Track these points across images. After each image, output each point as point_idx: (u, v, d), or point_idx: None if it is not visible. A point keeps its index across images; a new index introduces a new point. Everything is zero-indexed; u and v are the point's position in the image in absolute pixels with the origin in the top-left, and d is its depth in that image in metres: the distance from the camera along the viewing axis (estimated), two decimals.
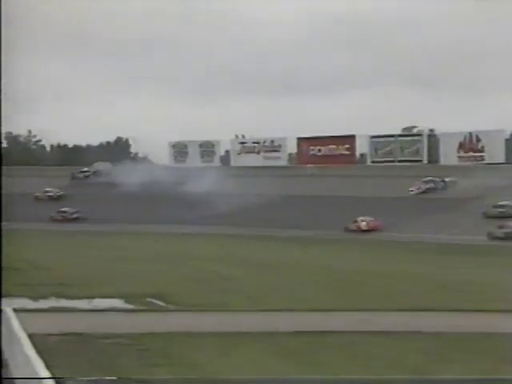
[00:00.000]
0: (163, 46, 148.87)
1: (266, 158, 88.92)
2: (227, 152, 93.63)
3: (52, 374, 11.52)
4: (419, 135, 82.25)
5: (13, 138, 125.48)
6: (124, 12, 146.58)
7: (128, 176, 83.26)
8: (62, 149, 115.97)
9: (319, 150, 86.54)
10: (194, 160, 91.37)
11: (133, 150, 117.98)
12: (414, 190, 71.71)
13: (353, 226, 63.84)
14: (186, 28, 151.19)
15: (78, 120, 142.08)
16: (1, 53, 11.24)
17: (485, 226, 57.90)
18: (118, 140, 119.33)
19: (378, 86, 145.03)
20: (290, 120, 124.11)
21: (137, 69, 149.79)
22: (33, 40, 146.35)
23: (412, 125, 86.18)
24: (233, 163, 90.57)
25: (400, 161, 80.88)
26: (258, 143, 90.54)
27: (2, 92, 11.73)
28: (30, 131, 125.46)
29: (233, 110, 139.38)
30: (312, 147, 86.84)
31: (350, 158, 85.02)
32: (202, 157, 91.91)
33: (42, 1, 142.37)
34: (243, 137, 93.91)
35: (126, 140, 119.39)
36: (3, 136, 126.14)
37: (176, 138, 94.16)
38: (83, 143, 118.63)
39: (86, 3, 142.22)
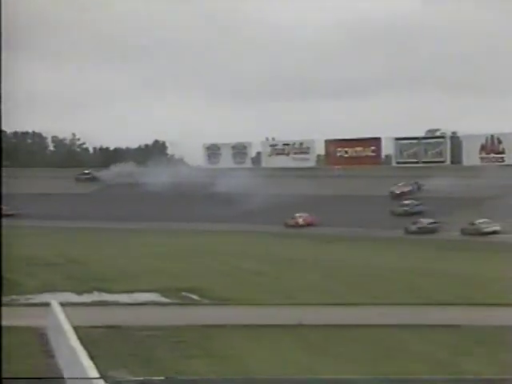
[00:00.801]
0: (198, 50, 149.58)
1: (295, 159, 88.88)
2: (258, 154, 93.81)
3: (95, 364, 11.76)
4: (442, 137, 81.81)
5: (59, 142, 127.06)
6: (160, 14, 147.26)
7: (162, 176, 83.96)
8: (103, 151, 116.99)
9: (346, 152, 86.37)
10: (226, 161, 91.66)
11: (169, 152, 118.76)
12: (394, 190, 72.81)
13: (291, 222, 67.46)
14: (217, 32, 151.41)
15: (119, 123, 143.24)
16: (1, 54, 11.40)
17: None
18: (156, 143, 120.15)
19: (403, 89, 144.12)
20: (319, 122, 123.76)
21: (173, 72, 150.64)
22: (73, 45, 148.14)
23: (435, 127, 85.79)
24: (264, 164, 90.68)
25: (424, 162, 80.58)
26: (287, 145, 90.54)
27: (2, 92, 11.87)
28: (74, 134, 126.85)
29: (264, 113, 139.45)
30: (339, 149, 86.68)
31: (375, 160, 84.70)
32: (235, 158, 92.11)
33: (76, 7, 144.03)
34: (274, 139, 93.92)
35: (163, 143, 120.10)
36: (50, 139, 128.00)
37: (210, 141, 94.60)
38: (123, 146, 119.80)
39: (121, 8, 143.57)
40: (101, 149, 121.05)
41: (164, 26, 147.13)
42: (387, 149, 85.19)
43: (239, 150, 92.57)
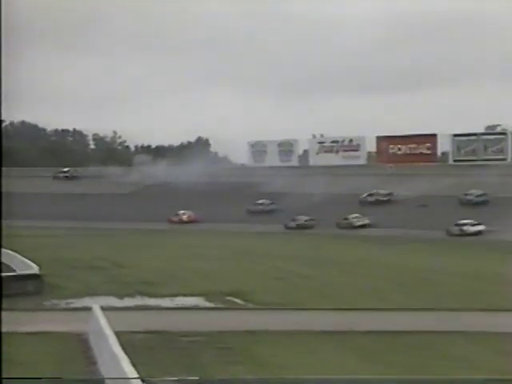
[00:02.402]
0: (243, 46, 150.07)
1: (344, 157, 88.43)
2: (305, 151, 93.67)
3: (137, 371, 12.05)
4: (503, 134, 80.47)
5: (99, 140, 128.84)
6: (204, 11, 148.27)
7: (204, 175, 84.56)
8: (145, 149, 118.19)
9: (399, 149, 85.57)
10: (272, 159, 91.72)
11: (212, 149, 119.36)
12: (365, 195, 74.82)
13: (175, 219, 75.26)
14: (264, 27, 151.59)
15: (161, 120, 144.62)
16: (1, 53, 11.68)
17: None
18: (199, 140, 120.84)
19: (460, 82, 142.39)
20: (369, 119, 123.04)
21: (216, 68, 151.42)
22: (117, 42, 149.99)
23: (496, 123, 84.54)
24: (311, 162, 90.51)
25: (483, 160, 79.32)
26: (336, 142, 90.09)
27: (3, 92, 12.16)
28: (115, 132, 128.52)
29: (311, 110, 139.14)
30: (392, 146, 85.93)
31: (431, 157, 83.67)
32: (281, 156, 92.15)
33: (118, 3, 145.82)
34: (322, 136, 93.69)
35: (206, 140, 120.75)
36: (91, 137, 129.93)
37: (255, 138, 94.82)
38: (165, 143, 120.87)
39: (166, 3, 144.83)
40: (142, 146, 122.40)
41: (210, 21, 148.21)
42: (444, 146, 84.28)
43: (285, 148, 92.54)
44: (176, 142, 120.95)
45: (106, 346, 14.58)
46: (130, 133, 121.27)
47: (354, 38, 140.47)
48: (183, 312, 25.17)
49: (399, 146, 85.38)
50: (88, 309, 20.81)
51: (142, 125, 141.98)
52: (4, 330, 19.65)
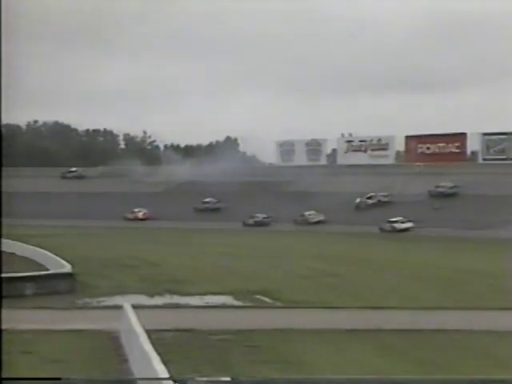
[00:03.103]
0: (271, 45, 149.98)
1: (372, 156, 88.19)
2: (334, 150, 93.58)
3: (167, 369, 12.19)
4: None
5: (130, 140, 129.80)
6: (232, 10, 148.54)
7: (232, 173, 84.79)
8: (174, 149, 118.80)
9: (428, 148, 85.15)
10: (300, 158, 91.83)
11: (241, 149, 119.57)
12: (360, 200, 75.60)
13: (130, 216, 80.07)
14: (292, 27, 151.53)
15: (190, 120, 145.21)
16: (1, 52, 11.88)
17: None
18: (227, 139, 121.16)
19: (488, 83, 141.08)
20: (398, 118, 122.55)
21: (245, 68, 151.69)
22: (147, 42, 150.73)
23: None
24: (339, 161, 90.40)
25: None
26: (364, 141, 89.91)
27: (3, 91, 12.35)
28: (145, 132, 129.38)
29: (340, 109, 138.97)
30: (420, 145, 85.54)
31: (460, 156, 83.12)
32: (309, 155, 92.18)
33: (151, 3, 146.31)
34: (350, 135, 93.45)
35: (235, 139, 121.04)
36: (121, 137, 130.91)
37: (283, 137, 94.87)
38: (194, 143, 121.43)
39: (198, 3, 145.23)
40: (171, 146, 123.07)
41: (238, 21, 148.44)
42: (473, 145, 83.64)
43: (313, 147, 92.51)
44: (205, 142, 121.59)
45: (137, 344, 14.75)
46: (159, 133, 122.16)
47: (383, 38, 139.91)
48: (212, 310, 25.32)
49: (428, 145, 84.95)
50: (119, 307, 21.02)
51: (171, 125, 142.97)
52: (39, 327, 20.02)
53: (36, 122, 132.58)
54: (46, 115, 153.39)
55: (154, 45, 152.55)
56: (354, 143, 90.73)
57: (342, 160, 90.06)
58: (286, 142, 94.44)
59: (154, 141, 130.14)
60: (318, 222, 72.82)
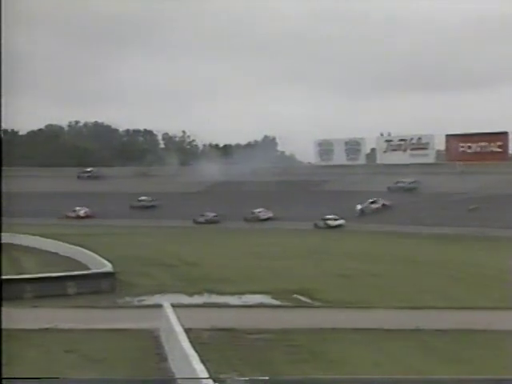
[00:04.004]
0: (310, 45, 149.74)
1: (412, 155, 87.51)
2: (373, 150, 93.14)
3: (206, 368, 12.32)
4: None
5: (169, 139, 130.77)
6: (273, 10, 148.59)
7: (269, 173, 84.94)
8: (213, 148, 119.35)
9: (469, 147, 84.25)
10: (339, 158, 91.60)
11: (279, 148, 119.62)
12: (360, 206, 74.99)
13: (72, 214, 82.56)
14: (331, 26, 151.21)
15: (229, 119, 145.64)
16: (1, 51, 12.06)
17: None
18: (265, 138, 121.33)
19: None
20: (438, 117, 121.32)
21: (286, 67, 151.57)
22: (186, 41, 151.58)
23: None
24: (378, 161, 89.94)
25: None
26: (404, 140, 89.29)
27: (3, 90, 12.52)
28: (184, 131, 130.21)
29: (379, 108, 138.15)
30: (461, 144, 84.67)
31: (502, 156, 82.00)
32: (348, 155, 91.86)
33: (194, 3, 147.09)
34: (389, 134, 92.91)
35: (273, 139, 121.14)
36: (161, 137, 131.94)
37: (322, 137, 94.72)
38: (233, 142, 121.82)
39: (238, 3, 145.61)
40: (210, 145, 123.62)
41: (278, 20, 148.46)
42: None
43: (352, 146, 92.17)
44: (243, 141, 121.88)
45: (176, 343, 14.91)
46: (198, 132, 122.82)
47: (420, 37, 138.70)
48: (250, 310, 25.43)
49: (469, 144, 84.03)
50: (159, 306, 21.25)
51: (210, 124, 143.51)
52: (81, 326, 20.34)
53: (77, 122, 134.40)
54: (86, 116, 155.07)
55: (192, 44, 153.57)
56: (393, 142, 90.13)
57: (381, 159, 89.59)
58: (325, 142, 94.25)
59: (193, 140, 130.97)
60: (268, 219, 76.58)
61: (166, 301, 22.55)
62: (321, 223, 72.12)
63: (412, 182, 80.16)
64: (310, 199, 79.09)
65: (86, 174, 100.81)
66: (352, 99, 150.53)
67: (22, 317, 21.11)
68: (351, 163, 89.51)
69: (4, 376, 12.34)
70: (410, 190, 79.13)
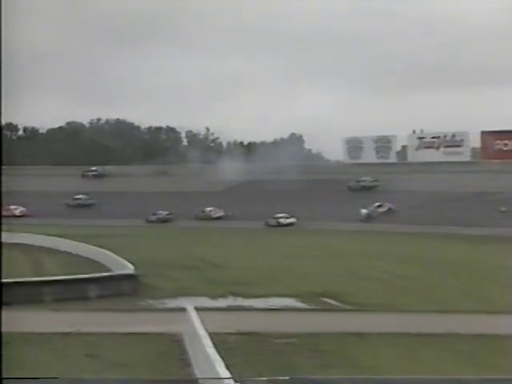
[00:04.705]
0: (339, 39, 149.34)
1: (446, 153, 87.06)
2: (404, 147, 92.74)
3: (230, 373, 12.40)
4: None
5: (192, 137, 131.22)
6: (305, 7, 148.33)
7: (297, 172, 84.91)
8: (237, 146, 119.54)
9: (505, 145, 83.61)
10: (369, 156, 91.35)
11: (306, 146, 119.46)
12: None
13: (7, 213, 78.81)
14: (363, 23, 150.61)
15: (254, 116, 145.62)
16: (1, 49, 12.28)
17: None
18: (292, 136, 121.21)
19: None
20: (472, 113, 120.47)
21: (312, 62, 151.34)
22: (211, 36, 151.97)
23: None
24: (410, 159, 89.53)
25: None
26: (437, 138, 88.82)
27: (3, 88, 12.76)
28: (208, 129, 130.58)
29: (411, 104, 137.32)
30: (498, 141, 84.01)
31: None
32: (378, 153, 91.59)
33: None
34: (421, 131, 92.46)
35: (300, 136, 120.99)
36: (184, 134, 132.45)
37: (350, 134, 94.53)
38: (258, 140, 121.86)
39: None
40: (235, 143, 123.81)
41: (306, 17, 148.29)
42: None
43: (383, 144, 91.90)
44: (269, 139, 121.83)
45: (200, 348, 15.00)
46: (222, 129, 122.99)
47: (457, 29, 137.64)
48: (276, 313, 25.49)
49: (506, 141, 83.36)
50: (182, 309, 21.36)
51: (234, 121, 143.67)
52: (103, 330, 20.52)
53: (99, 119, 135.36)
54: (108, 113, 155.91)
55: (217, 40, 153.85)
56: (425, 140, 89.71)
57: (412, 157, 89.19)
58: (354, 139, 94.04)
59: (217, 138, 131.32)
60: (219, 218, 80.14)
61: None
62: (272, 221, 75.94)
63: (373, 181, 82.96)
64: (337, 198, 78.95)
65: (92, 173, 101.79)
66: (382, 95, 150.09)
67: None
68: (381, 161, 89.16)
69: (4, 376, 12.57)
70: (370, 188, 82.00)
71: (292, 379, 15.30)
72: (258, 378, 15.49)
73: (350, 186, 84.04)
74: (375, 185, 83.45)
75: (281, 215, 76.94)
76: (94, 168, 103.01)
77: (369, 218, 74.06)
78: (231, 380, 11.98)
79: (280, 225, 75.07)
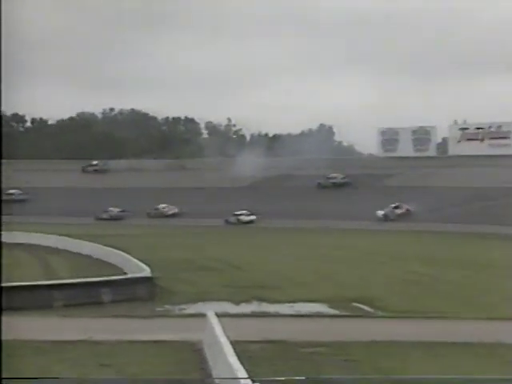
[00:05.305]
0: (369, 26, 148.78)
1: (491, 145, 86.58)
2: (444, 139, 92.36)
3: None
4: None
5: (213, 128, 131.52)
6: None
7: (325, 166, 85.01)
8: (261, 138, 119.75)
9: None
10: (405, 149, 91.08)
11: (336, 138, 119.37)
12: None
13: None
14: (402, 9, 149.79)
15: (280, 106, 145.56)
16: (1, 45, 12.57)
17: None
18: (321, 127, 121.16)
19: None
20: None
21: (340, 48, 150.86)
22: (232, 22, 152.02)
23: None
24: (451, 152, 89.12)
25: None
26: (481, 129, 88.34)
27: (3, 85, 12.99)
28: (229, 119, 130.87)
29: (452, 92, 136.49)
30: None
31: None
32: (415, 145, 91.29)
33: None
34: (464, 122, 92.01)
35: (330, 127, 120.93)
36: (204, 126, 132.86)
37: (385, 125, 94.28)
38: (284, 132, 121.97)
39: None
40: (259, 135, 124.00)
41: (344, 2, 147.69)
42: None
43: (421, 136, 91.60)
44: (296, 130, 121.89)
45: (222, 357, 15.21)
46: (245, 120, 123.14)
47: (496, 19, 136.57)
48: (304, 320, 25.65)
49: None
50: (202, 315, 21.58)
51: (258, 112, 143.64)
52: (117, 338, 20.80)
53: (112, 109, 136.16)
54: (122, 102, 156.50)
55: (239, 24, 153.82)
56: (469, 131, 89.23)
57: (454, 150, 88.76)
58: (389, 130, 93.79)
59: (240, 129, 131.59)
60: (173, 215, 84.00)
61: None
62: (232, 219, 79.18)
63: (344, 178, 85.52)
64: (370, 196, 78.88)
65: (92, 168, 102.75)
66: (420, 83, 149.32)
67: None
68: (419, 155, 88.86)
69: (4, 376, 12.91)
70: (342, 185, 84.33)
71: (308, 379, 15.58)
72: (275, 378, 15.84)
73: (319, 183, 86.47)
74: (346, 182, 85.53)
75: (241, 212, 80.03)
76: (94, 162, 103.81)
77: (385, 219, 74.21)
78: (248, 380, 12.33)
79: (241, 222, 78.15)
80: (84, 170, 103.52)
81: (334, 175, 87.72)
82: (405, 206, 76.11)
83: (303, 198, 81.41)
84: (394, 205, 76.30)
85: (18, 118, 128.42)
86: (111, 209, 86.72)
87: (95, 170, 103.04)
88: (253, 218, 79.34)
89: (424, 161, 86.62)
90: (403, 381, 15.88)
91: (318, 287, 33.45)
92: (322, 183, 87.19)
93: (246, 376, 12.56)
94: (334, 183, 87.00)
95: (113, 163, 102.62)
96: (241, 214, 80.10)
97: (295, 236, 63.69)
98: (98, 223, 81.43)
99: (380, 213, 74.98)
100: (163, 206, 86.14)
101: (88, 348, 19.83)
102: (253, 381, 12.46)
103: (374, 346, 20.86)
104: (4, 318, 15.73)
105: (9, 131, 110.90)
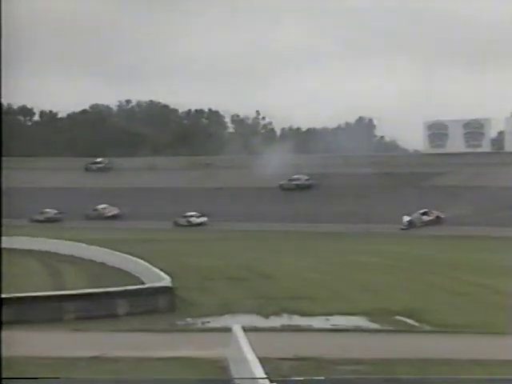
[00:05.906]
0: (412, 10, 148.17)
1: None
2: (501, 133, 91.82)
3: None
4: None
5: (239, 122, 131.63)
6: None
7: (365, 165, 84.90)
8: (293, 132, 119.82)
9: None
10: (455, 144, 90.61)
11: (378, 132, 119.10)
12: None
13: None
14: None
15: (313, 97, 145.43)
16: (1, 41, 12.73)
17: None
18: (360, 120, 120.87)
19: None
20: None
21: (379, 34, 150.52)
22: (261, 4, 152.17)
23: None
24: (508, 148, 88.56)
25: None
26: None
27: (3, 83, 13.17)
28: (258, 112, 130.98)
29: (508, 82, 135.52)
30: None
31: None
32: (467, 140, 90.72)
33: None
34: None
35: (370, 120, 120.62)
36: (229, 119, 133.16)
37: (433, 117, 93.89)
38: (318, 125, 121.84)
39: None
40: (290, 129, 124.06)
41: None
42: None
43: (474, 129, 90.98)
44: (332, 124, 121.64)
45: (249, 376, 15.19)
46: (275, 113, 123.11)
47: None
48: (340, 335, 25.62)
49: None
50: (228, 329, 21.62)
51: (289, 104, 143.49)
52: (134, 354, 20.87)
53: (128, 101, 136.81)
54: (140, 93, 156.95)
55: (269, 9, 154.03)
56: None
57: (511, 145, 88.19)
58: (437, 124, 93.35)
59: (270, 123, 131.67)
60: (114, 217, 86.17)
61: None
62: (182, 220, 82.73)
63: (308, 179, 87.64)
64: (416, 197, 78.65)
65: (96, 166, 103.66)
66: (473, 71, 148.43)
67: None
68: (472, 150, 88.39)
69: (4, 376, 13.14)
70: (306, 187, 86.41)
71: (327, 379, 15.57)
72: (294, 378, 16.46)
73: (281, 184, 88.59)
74: (311, 184, 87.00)
75: (191, 213, 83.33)
76: (99, 160, 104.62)
77: (409, 226, 74.49)
78: (267, 380, 12.84)
79: (191, 224, 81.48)
80: (87, 169, 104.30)
81: (298, 176, 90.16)
82: (435, 213, 76.24)
83: (341, 199, 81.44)
84: (422, 211, 76.40)
85: (26, 111, 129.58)
86: (47, 210, 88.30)
87: (99, 169, 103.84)
88: (204, 219, 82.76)
89: (477, 157, 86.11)
90: (403, 381, 15.86)
91: (353, 298, 33.41)
92: (285, 185, 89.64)
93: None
94: (297, 185, 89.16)
95: (127, 161, 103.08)
96: (191, 216, 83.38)
97: (341, 241, 63.67)
98: (32, 225, 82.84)
99: (406, 218, 74.96)
100: (103, 206, 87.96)
101: (101, 366, 19.92)
102: (270, 380, 12.93)
103: (421, 364, 20.79)
104: (8, 333, 15.84)
105: (14, 125, 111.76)
